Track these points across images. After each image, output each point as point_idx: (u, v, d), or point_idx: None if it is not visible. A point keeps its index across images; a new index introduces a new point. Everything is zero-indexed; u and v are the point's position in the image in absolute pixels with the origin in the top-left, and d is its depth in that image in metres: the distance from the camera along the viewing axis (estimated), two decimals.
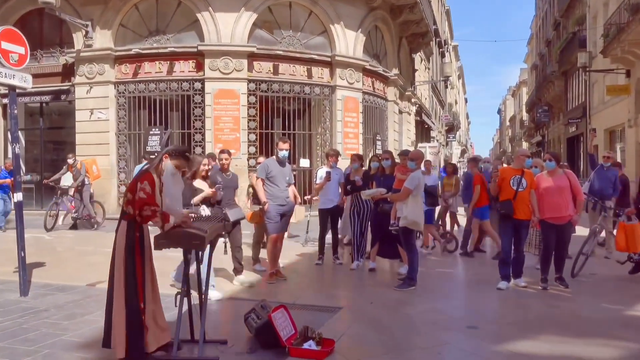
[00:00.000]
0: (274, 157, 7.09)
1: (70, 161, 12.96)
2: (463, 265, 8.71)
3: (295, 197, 7.09)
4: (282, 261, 7.84)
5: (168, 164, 4.24)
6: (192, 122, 15.73)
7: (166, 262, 6.56)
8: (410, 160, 6.70)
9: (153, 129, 15.58)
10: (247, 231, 11.22)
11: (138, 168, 10.96)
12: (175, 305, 4.20)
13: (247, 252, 8.61)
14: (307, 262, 8.35)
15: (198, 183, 5.77)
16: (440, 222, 11.37)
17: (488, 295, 6.31)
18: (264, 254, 8.08)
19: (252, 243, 7.95)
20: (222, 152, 6.84)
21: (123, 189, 16.22)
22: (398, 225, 6.75)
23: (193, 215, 4.51)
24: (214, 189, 5.63)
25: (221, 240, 5.93)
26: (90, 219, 12.96)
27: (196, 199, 5.66)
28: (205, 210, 5.45)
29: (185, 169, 4.60)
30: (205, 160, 6.03)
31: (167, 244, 4.03)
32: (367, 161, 9.34)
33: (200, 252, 4.48)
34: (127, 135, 16.37)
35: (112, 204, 15.83)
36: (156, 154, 4.53)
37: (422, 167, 7.36)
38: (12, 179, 11.17)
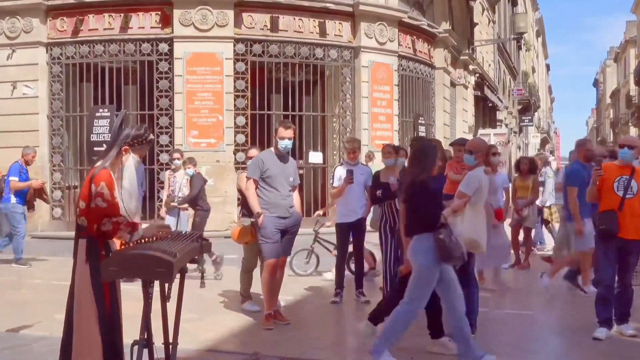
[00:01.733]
0: (272, 149, 7.09)
1: None
2: (540, 303, 8.64)
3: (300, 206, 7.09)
4: (284, 298, 7.81)
5: (131, 157, 4.33)
6: (155, 99, 15.82)
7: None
8: (467, 153, 6.65)
9: (100, 110, 15.72)
10: (233, 255, 11.28)
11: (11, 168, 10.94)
12: None
13: (230, 283, 8.64)
14: (320, 300, 8.35)
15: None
16: (510, 243, 11.34)
17: (580, 349, 6.25)
18: (257, 287, 8.08)
19: (241, 272, 7.97)
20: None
21: (58, 194, 16.37)
22: None
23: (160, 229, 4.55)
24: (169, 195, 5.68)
25: (193, 268, 5.95)
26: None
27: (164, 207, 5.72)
28: (170, 221, 5.50)
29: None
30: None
31: (120, 273, 4.05)
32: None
33: (166, 285, 4.49)
34: (64, 118, 16.53)
35: (43, 216, 15.98)
36: (106, 145, 4.59)
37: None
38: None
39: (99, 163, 4.39)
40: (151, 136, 4.56)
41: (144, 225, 4.87)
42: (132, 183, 4.40)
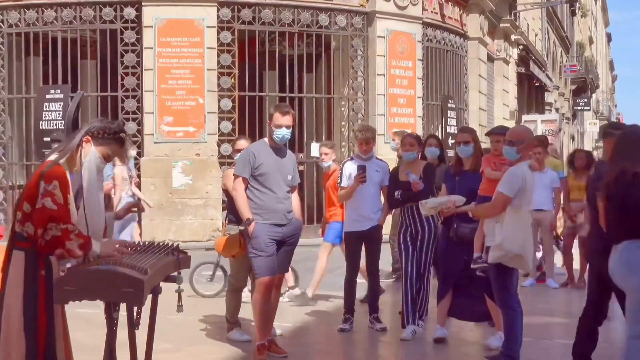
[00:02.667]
0: (266, 139, 7.12)
1: None
2: (603, 328, 8.65)
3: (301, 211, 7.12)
4: (281, 324, 7.82)
5: (92, 152, 4.28)
6: (119, 78, 15.86)
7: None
8: (508, 144, 6.67)
9: (52, 91, 15.74)
10: (218, 272, 11.29)
11: None
12: None
13: (213, 306, 8.64)
14: (325, 327, 8.39)
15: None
16: (563, 255, 11.35)
17: None
18: (247, 311, 8.12)
19: (227, 292, 7.99)
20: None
21: (0, 195, 16.40)
22: (487, 261, 6.72)
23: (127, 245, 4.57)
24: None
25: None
26: None
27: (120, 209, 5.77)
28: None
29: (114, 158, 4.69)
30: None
31: (78, 294, 4.07)
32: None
33: (135, 309, 4.51)
34: (6, 101, 16.59)
35: None
36: (63, 137, 4.59)
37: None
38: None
39: (52, 157, 4.35)
40: (124, 135, 4.49)
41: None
42: (91, 189, 4.32)
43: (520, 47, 28.94)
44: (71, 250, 4.07)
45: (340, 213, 9.17)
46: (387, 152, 15.82)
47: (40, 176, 4.16)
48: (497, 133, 7.48)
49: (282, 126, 6.87)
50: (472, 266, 7.00)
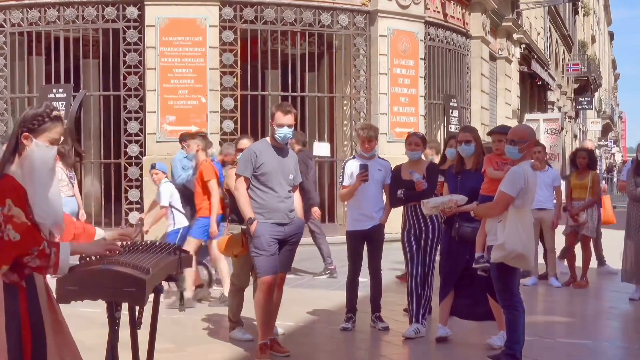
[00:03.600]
0: (268, 139, 7.12)
1: None
2: (601, 330, 8.65)
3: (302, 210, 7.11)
4: (283, 324, 7.84)
5: (34, 146, 3.99)
6: (122, 77, 15.87)
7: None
8: (510, 143, 6.67)
9: (54, 90, 15.78)
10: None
11: None
12: None
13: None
14: (327, 326, 8.38)
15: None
16: (565, 256, 11.37)
17: None
18: (249, 310, 8.13)
19: (229, 292, 8.00)
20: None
21: None
22: (489, 261, 6.72)
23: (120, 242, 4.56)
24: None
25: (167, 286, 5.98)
26: None
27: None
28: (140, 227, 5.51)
29: (61, 142, 4.41)
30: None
31: (80, 294, 4.06)
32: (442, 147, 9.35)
33: (137, 308, 4.52)
34: (9, 100, 16.60)
35: None
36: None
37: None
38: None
39: None
40: (57, 112, 4.14)
41: (105, 233, 4.86)
42: (43, 181, 4.02)
43: (523, 45, 28.93)
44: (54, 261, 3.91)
45: (208, 207, 9.30)
46: (389, 151, 15.86)
47: None
48: (498, 132, 7.49)
49: (284, 125, 6.87)
50: (474, 266, 7.01)
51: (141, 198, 15.27)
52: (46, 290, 4.21)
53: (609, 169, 44.81)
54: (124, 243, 4.62)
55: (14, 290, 3.94)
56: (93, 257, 4.18)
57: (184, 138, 10.78)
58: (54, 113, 4.09)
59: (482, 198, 7.05)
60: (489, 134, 7.86)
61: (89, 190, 16.67)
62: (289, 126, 6.91)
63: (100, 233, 4.68)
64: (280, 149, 6.99)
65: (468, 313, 7.68)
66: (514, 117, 26.44)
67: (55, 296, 4.12)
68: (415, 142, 8.03)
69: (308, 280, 11.45)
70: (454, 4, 19.91)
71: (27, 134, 3.98)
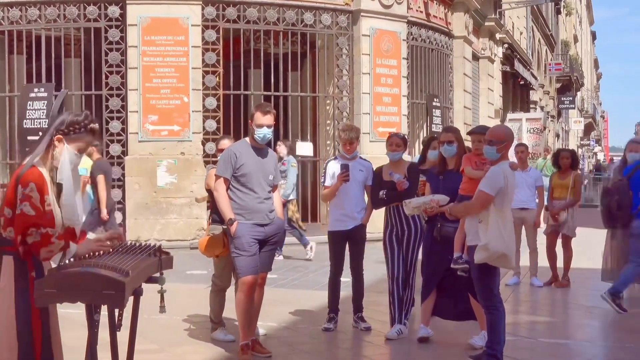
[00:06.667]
0: (247, 139, 7.12)
1: None
2: (581, 329, 8.70)
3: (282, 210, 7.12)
4: (265, 324, 7.84)
5: (65, 150, 4.27)
6: (104, 76, 15.82)
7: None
8: (488, 143, 6.70)
9: (35, 89, 15.69)
10: (202, 271, 11.29)
11: None
12: None
13: (197, 306, 8.63)
14: (309, 326, 8.39)
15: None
16: (547, 257, 11.43)
17: None
18: (231, 311, 8.12)
19: (210, 292, 7.99)
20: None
21: None
22: (467, 261, 6.75)
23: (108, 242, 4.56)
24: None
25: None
26: None
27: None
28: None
29: (88, 150, 4.70)
30: None
31: (59, 296, 4.05)
32: (419, 147, 9.38)
33: (117, 310, 4.51)
34: None
35: None
36: (41, 134, 4.52)
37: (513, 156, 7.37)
38: None
39: (27, 159, 4.34)
40: (94, 124, 4.44)
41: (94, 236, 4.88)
42: (69, 184, 4.31)
43: (505, 45, 29.03)
44: (52, 253, 4.08)
45: None
46: (372, 151, 15.88)
47: (17, 180, 4.14)
48: (477, 133, 7.51)
49: (263, 126, 6.88)
50: (453, 266, 7.05)
51: (123, 198, 15.22)
52: None
53: (597, 168, 45.10)
54: (100, 248, 4.63)
55: (26, 280, 4.15)
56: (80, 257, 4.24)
57: None
58: (92, 125, 4.39)
59: (460, 198, 7.08)
60: (469, 134, 7.90)
61: None
62: (269, 126, 6.91)
63: (90, 236, 4.84)
64: (260, 149, 7.00)
65: (450, 313, 7.72)
66: (497, 117, 26.53)
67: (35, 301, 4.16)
68: (396, 142, 8.04)
69: (290, 281, 11.46)
70: (436, 3, 19.95)
71: (60, 136, 4.28)
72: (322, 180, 8.51)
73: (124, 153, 15.47)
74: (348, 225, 8.19)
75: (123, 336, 4.68)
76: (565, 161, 11.09)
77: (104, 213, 11.53)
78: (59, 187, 4.32)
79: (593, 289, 11.01)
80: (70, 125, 4.30)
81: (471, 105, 22.97)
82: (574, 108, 55.73)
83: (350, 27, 17.30)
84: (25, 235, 4.04)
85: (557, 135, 50.33)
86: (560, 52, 50.68)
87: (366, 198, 8.32)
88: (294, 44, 16.95)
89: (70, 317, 7.28)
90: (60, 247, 4.10)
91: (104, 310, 4.46)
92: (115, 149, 15.48)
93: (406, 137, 8.90)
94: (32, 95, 15.53)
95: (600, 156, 63.47)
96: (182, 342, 7.69)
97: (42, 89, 15.60)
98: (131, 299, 4.45)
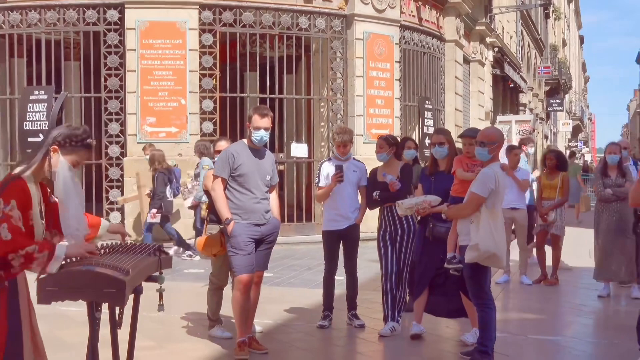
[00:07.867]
0: (245, 140, 7.13)
1: None
2: (570, 326, 8.73)
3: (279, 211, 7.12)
4: (261, 321, 7.86)
5: (61, 162, 4.20)
6: (103, 79, 15.80)
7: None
8: (479, 145, 6.73)
9: (36, 92, 15.65)
10: (199, 269, 11.29)
11: None
12: None
13: (195, 304, 8.65)
14: (304, 324, 8.40)
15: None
16: (536, 255, 11.47)
17: None
18: (228, 308, 8.13)
19: (208, 290, 8.00)
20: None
21: None
22: (460, 261, 6.78)
23: (101, 245, 4.56)
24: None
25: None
26: None
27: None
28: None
29: (83, 163, 4.59)
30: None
31: (60, 294, 4.06)
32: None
33: (117, 309, 4.52)
34: None
35: None
36: (40, 141, 4.47)
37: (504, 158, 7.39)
38: None
39: (17, 169, 4.25)
40: (91, 140, 4.38)
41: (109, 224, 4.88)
42: (69, 193, 4.25)
43: (496, 49, 29.05)
44: (42, 262, 4.00)
45: None
46: (365, 152, 15.89)
47: (1, 190, 4.03)
48: (468, 136, 7.53)
49: (260, 128, 6.89)
50: (446, 266, 7.06)
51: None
52: (27, 293, 4.22)
53: (585, 169, 45.20)
54: (105, 244, 4.63)
55: None
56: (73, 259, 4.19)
57: None
58: (88, 140, 4.35)
59: (452, 199, 7.10)
60: (460, 137, 7.92)
61: None
62: (266, 129, 6.92)
63: (105, 225, 4.87)
64: (257, 150, 7.00)
65: (442, 310, 7.73)
66: (487, 119, 26.55)
67: (36, 299, 4.13)
68: (379, 144, 8.07)
69: (286, 279, 11.47)
70: (428, 8, 19.98)
71: (56, 147, 4.22)
72: (317, 181, 8.53)
73: (123, 154, 15.45)
74: (342, 225, 8.21)
75: (123, 333, 4.71)
76: (550, 162, 11.12)
77: None
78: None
79: (581, 287, 11.07)
80: (67, 138, 4.26)
81: (462, 107, 23.00)
82: (562, 110, 55.87)
83: (345, 31, 17.31)
84: (8, 261, 3.94)
85: (546, 137, 50.39)
86: (549, 56, 50.74)
87: (360, 198, 8.35)
88: (289, 48, 16.97)
89: (72, 315, 7.30)
90: (47, 257, 4.00)
91: (104, 308, 4.48)
92: (114, 150, 15.47)
93: (397, 138, 8.91)
94: (33, 97, 15.49)
95: (588, 157, 63.57)
96: (180, 339, 7.71)
97: (42, 92, 15.56)
98: (131, 297, 4.47)
